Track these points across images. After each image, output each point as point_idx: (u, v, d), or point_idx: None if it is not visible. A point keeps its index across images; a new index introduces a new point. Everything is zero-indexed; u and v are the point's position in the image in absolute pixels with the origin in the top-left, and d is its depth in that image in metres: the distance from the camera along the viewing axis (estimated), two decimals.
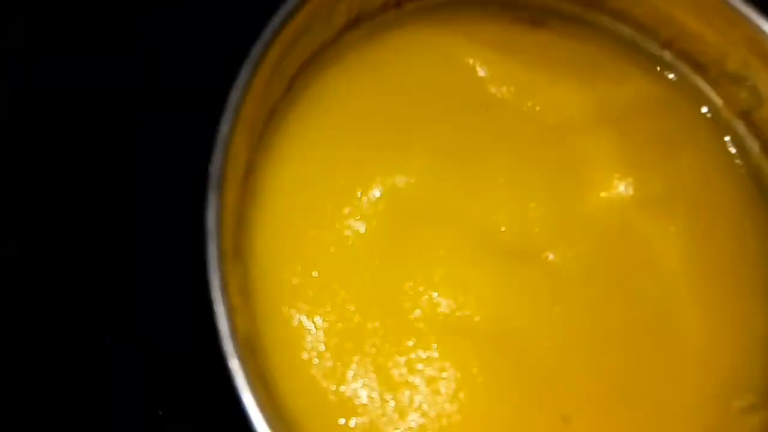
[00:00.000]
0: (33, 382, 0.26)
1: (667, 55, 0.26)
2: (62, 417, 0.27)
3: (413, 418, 0.21)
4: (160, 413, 0.26)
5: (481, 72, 0.25)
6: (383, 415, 0.21)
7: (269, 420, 0.16)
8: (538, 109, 0.26)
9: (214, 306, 0.16)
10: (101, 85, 0.30)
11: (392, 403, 0.21)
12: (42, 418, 0.27)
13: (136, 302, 0.28)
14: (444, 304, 0.23)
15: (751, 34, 0.24)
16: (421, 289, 0.23)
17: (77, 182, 0.29)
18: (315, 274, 0.22)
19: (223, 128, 0.17)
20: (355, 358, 0.21)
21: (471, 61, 0.25)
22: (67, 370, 0.27)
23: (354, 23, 0.23)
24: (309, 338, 0.21)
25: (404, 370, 0.22)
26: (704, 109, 0.26)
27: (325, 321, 0.22)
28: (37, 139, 0.30)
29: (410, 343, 0.22)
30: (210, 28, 0.30)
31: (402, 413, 0.21)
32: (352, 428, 0.21)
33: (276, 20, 0.18)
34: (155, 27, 0.31)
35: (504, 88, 0.26)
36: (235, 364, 0.16)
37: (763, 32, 0.23)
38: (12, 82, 0.30)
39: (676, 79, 0.27)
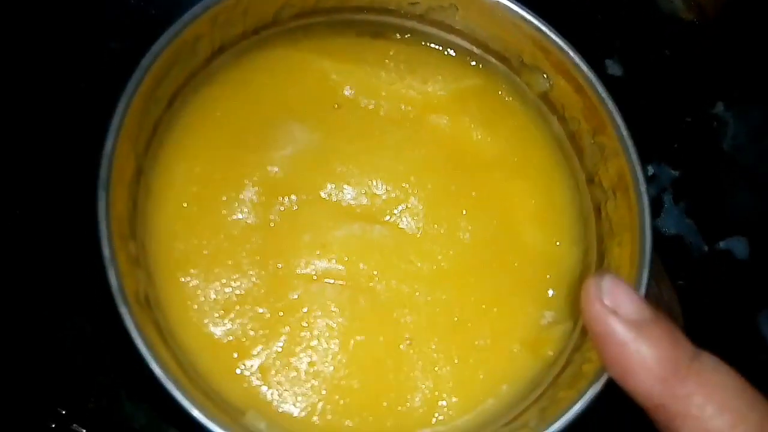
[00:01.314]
0: None
1: (482, 53, 0.33)
2: None
3: (285, 345, 0.28)
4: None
5: (331, 78, 0.32)
6: (264, 345, 0.28)
7: (156, 352, 0.23)
8: (380, 104, 0.32)
9: (106, 270, 0.22)
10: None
11: (270, 337, 0.28)
12: None
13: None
14: (310, 261, 0.29)
15: (532, 33, 0.30)
16: (291, 252, 0.29)
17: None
18: (204, 249, 0.28)
19: (108, 145, 0.23)
20: (239, 308, 0.28)
21: (323, 70, 0.32)
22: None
23: (219, 51, 0.29)
24: (200, 297, 0.28)
25: (279, 313, 0.28)
26: (512, 93, 0.33)
27: (214, 282, 0.28)
28: None
29: (281, 293, 0.28)
30: None
31: (276, 342, 0.28)
32: (243, 359, 0.28)
33: (144, 61, 0.24)
34: None
35: (351, 90, 0.32)
36: (124, 310, 0.22)
37: (541, 31, 0.30)
38: None
39: (490, 70, 0.33)
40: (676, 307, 0.45)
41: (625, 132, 0.29)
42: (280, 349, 0.28)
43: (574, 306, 0.31)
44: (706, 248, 0.46)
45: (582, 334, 0.29)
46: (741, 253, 0.47)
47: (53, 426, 0.35)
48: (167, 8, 0.45)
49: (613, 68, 0.50)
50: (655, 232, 0.30)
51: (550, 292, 0.31)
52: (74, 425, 0.36)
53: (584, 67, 0.30)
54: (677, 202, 0.47)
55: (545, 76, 0.32)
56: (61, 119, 0.41)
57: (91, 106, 0.41)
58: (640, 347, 0.22)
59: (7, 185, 0.39)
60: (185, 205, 0.28)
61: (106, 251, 0.22)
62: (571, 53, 0.30)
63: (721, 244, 0.46)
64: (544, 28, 0.30)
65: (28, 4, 0.43)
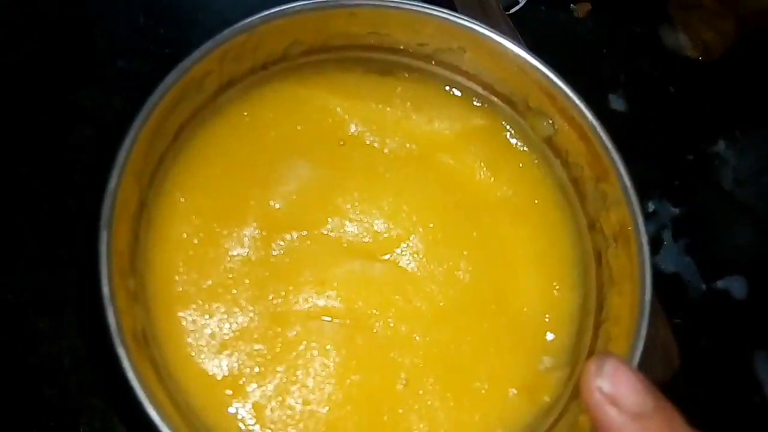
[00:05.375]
0: None
1: (488, 95, 0.33)
2: None
3: (280, 383, 0.28)
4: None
5: (337, 115, 0.32)
6: (259, 383, 0.28)
7: (152, 394, 0.22)
8: (385, 141, 0.33)
9: (105, 309, 0.22)
10: None
11: (265, 374, 0.28)
12: None
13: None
14: (308, 298, 0.29)
15: (539, 79, 0.31)
16: (291, 288, 0.29)
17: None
18: (204, 283, 0.28)
19: (111, 183, 0.23)
20: (236, 344, 0.28)
21: (330, 106, 0.32)
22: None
23: (226, 86, 0.30)
24: (197, 332, 0.28)
25: (276, 350, 0.28)
26: (516, 135, 0.33)
27: (212, 317, 0.28)
28: None
29: (279, 330, 0.28)
30: None
31: (271, 380, 0.28)
32: (237, 396, 0.28)
33: (152, 98, 0.24)
34: None
35: (357, 127, 0.32)
36: (121, 352, 0.22)
37: (547, 77, 0.30)
38: None
39: (495, 112, 0.34)
40: (672, 347, 0.45)
41: (628, 182, 0.29)
42: (275, 388, 0.28)
43: (573, 352, 0.31)
44: (704, 287, 0.46)
45: None
46: (739, 292, 0.47)
47: None
48: (177, 28, 0.46)
49: (617, 103, 0.50)
50: (654, 269, 0.30)
51: (549, 336, 0.31)
52: None
53: (589, 115, 0.30)
54: (676, 239, 0.47)
55: (550, 121, 0.32)
56: (62, 139, 0.41)
57: (95, 126, 0.42)
58: None
59: (5, 200, 0.39)
60: (186, 237, 0.28)
61: (105, 290, 0.22)
62: (577, 100, 0.30)
63: (720, 283, 0.46)
64: (550, 74, 0.30)
65: (36, 21, 0.43)
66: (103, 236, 0.23)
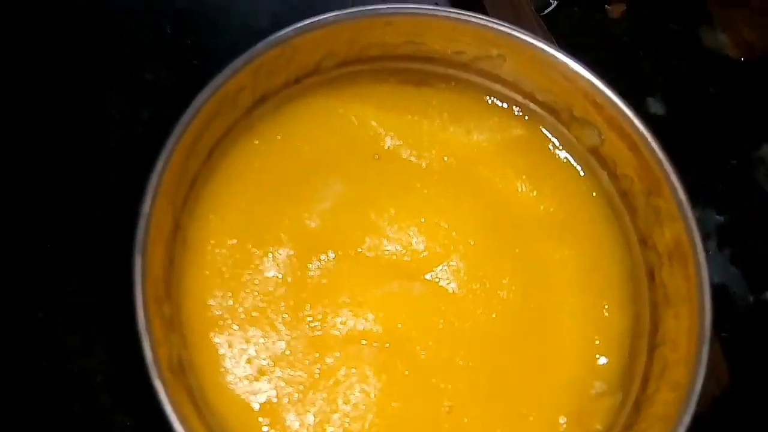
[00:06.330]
0: None
1: (529, 104, 0.32)
2: None
3: (319, 412, 0.27)
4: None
5: (372, 128, 0.31)
6: (297, 411, 0.27)
7: (189, 428, 0.21)
8: (423, 155, 0.31)
9: (141, 339, 0.21)
10: None
11: (303, 402, 0.27)
12: None
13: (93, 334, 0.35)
14: (346, 321, 0.28)
15: (584, 87, 0.29)
16: (328, 311, 0.28)
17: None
18: (239, 307, 0.27)
19: (145, 207, 0.22)
20: (272, 372, 0.27)
21: (364, 119, 0.31)
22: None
23: (260, 101, 0.29)
24: (233, 358, 0.27)
25: (314, 377, 0.27)
26: (560, 146, 0.32)
27: (247, 343, 0.27)
28: None
29: (317, 355, 0.27)
30: None
31: (310, 408, 0.27)
32: (275, 426, 0.27)
33: (185, 117, 0.24)
34: None
35: (393, 140, 0.31)
36: (158, 384, 0.21)
37: (593, 85, 0.29)
38: None
39: (537, 121, 0.32)
40: (720, 362, 0.43)
41: (683, 196, 0.27)
42: (313, 417, 0.27)
43: (625, 376, 0.29)
44: (751, 298, 0.44)
45: (634, 410, 0.28)
46: None
47: None
48: (204, 39, 0.45)
49: (655, 107, 0.48)
50: None
51: (601, 360, 0.29)
52: None
53: (640, 125, 0.28)
54: (722, 248, 0.45)
55: (596, 130, 0.30)
56: (90, 152, 0.41)
57: (123, 139, 0.41)
58: None
59: (34, 216, 0.39)
60: (221, 259, 0.27)
61: (140, 319, 0.21)
62: (626, 109, 0.29)
63: None
64: (596, 81, 0.29)
65: (63, 35, 0.43)
66: (138, 262, 0.22)
